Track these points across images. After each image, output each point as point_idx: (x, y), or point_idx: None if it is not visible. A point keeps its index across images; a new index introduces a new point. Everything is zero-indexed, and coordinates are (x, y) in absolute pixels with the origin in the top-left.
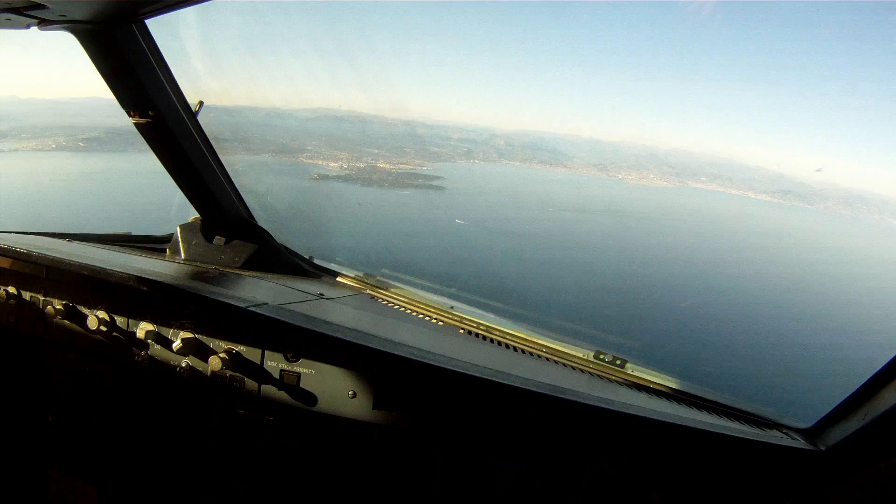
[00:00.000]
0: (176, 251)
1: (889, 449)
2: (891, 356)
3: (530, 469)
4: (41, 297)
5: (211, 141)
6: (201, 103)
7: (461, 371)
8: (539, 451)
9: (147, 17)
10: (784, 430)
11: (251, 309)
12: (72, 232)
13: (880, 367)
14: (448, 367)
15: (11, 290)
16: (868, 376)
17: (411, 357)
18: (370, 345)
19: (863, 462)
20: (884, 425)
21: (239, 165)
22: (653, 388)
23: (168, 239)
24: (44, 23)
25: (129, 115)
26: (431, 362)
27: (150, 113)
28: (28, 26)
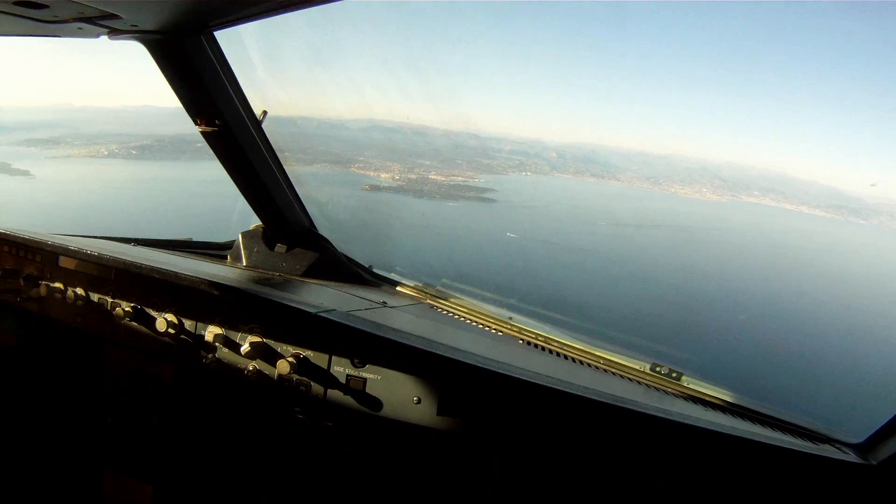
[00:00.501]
0: (237, 258)
1: None
2: None
3: (586, 479)
4: (109, 299)
5: (275, 149)
6: (265, 112)
7: (525, 379)
8: (597, 461)
9: (216, 29)
10: (836, 445)
11: (321, 315)
12: (135, 237)
13: None
14: (512, 374)
15: (80, 291)
16: None
17: (477, 364)
18: (437, 351)
19: None
20: None
21: (298, 175)
22: (708, 401)
23: (229, 245)
24: (114, 32)
25: (196, 124)
26: (497, 370)
27: (217, 122)
28: (98, 35)
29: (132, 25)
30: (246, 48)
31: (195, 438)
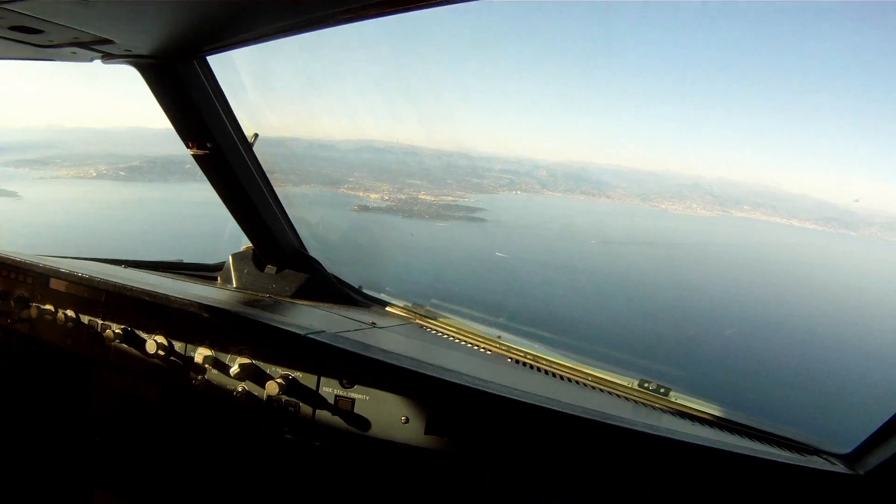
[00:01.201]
0: (227, 279)
1: None
2: None
3: (576, 497)
4: (99, 322)
5: (266, 171)
6: (256, 135)
7: (512, 397)
8: (585, 479)
9: (209, 54)
10: (824, 456)
11: (310, 336)
12: (123, 258)
13: None
14: (500, 393)
15: (70, 313)
16: None
17: (464, 384)
18: (425, 371)
19: None
20: None
21: (288, 196)
22: (696, 416)
23: (219, 267)
24: (108, 57)
25: (188, 147)
26: (484, 389)
27: (208, 145)
28: (91, 60)
29: (126, 50)
30: (238, 73)
31: (184, 459)
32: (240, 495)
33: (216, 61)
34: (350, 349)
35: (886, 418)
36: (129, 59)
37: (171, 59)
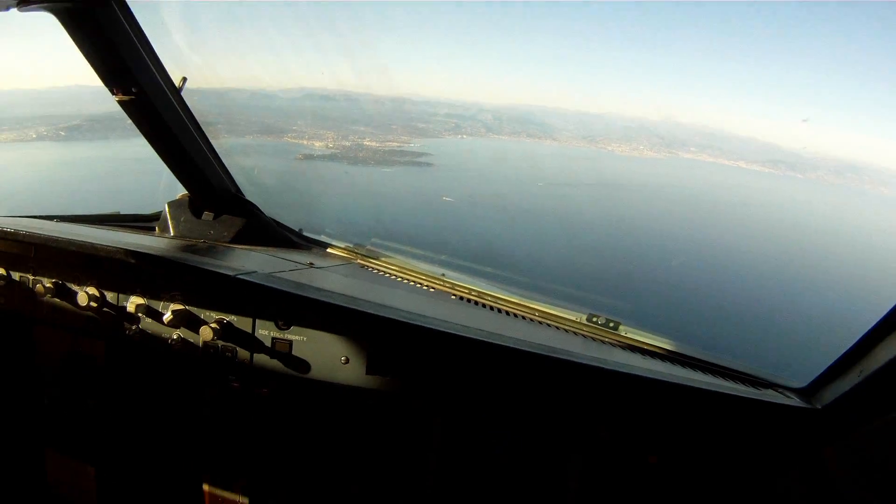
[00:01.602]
0: (165, 228)
1: (884, 406)
2: (883, 314)
3: (528, 436)
4: (30, 277)
5: (197, 117)
6: (184, 79)
7: (454, 333)
8: (535, 415)
9: None
10: (779, 390)
11: (241, 277)
12: (58, 214)
13: (873, 324)
14: (441, 329)
15: (1, 271)
16: (862, 334)
17: (403, 320)
18: (361, 309)
19: (858, 420)
20: (878, 383)
21: (225, 145)
22: (647, 350)
23: (156, 217)
24: (23, 3)
25: (113, 93)
26: (424, 324)
27: (133, 90)
28: (7, 8)
29: None
30: (160, 13)
31: (133, 415)
32: (190, 446)
33: (135, 2)
34: (283, 288)
35: (841, 352)
36: (45, 5)
37: (88, 2)
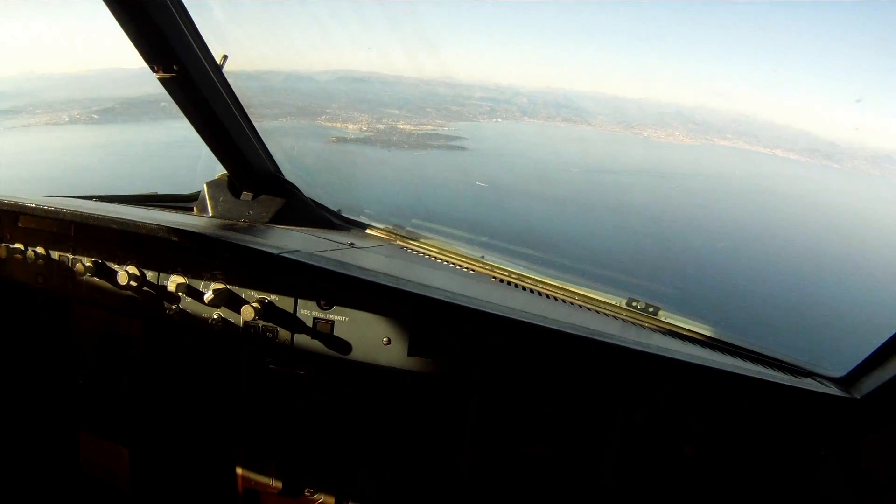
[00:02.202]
0: (203, 208)
1: None
2: None
3: (565, 419)
4: (70, 256)
5: (238, 96)
6: (226, 57)
7: (496, 313)
8: (574, 397)
9: None
10: (818, 379)
11: (284, 255)
12: (97, 194)
13: None
14: (483, 308)
15: (40, 250)
16: None
17: (447, 300)
18: (405, 288)
19: None
20: None
21: (263, 126)
22: (686, 335)
23: (195, 197)
24: None
25: (154, 71)
26: (466, 304)
27: (175, 67)
28: None
29: None
30: None
31: (168, 396)
32: (225, 430)
33: None
34: (326, 267)
35: (881, 342)
36: None
37: None
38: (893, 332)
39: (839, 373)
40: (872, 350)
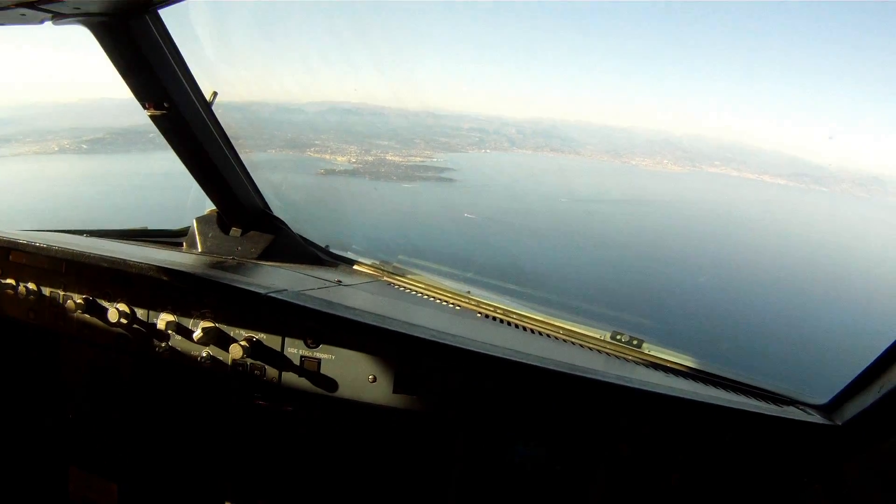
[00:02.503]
0: (192, 244)
1: None
2: None
3: (550, 453)
4: (61, 293)
5: (226, 131)
6: (215, 94)
7: (480, 351)
8: (559, 432)
9: (160, 7)
10: (801, 406)
11: (271, 295)
12: (87, 228)
13: (893, 340)
14: (467, 347)
15: (31, 286)
16: (882, 350)
17: (430, 338)
18: (390, 327)
19: (878, 436)
20: None
21: (252, 160)
22: (670, 367)
23: (184, 232)
24: (58, 16)
25: (145, 108)
26: (450, 343)
27: (165, 104)
28: (42, 21)
29: (75, 8)
30: (193, 27)
31: (157, 432)
32: (214, 464)
33: (169, 15)
34: (313, 307)
35: (862, 368)
36: (80, 18)
37: (122, 15)
38: (874, 358)
39: (822, 400)
40: (854, 376)
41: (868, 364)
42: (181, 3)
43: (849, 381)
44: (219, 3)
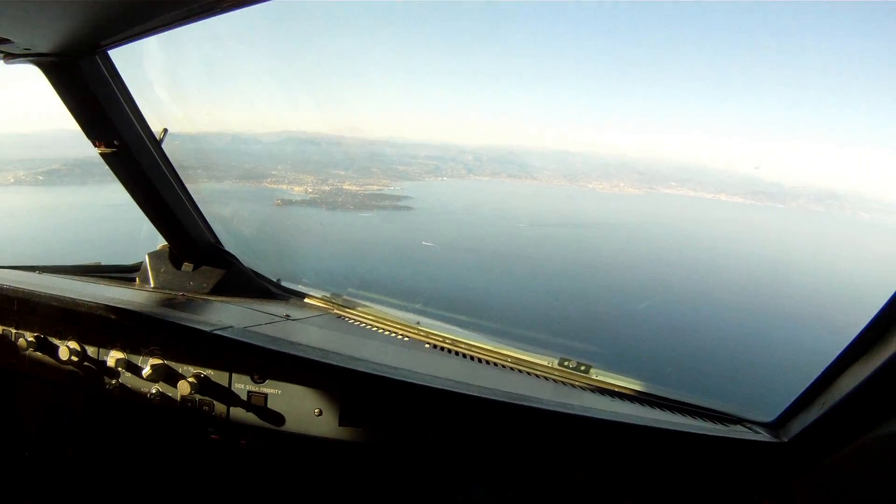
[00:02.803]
0: (145, 279)
1: (847, 437)
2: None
3: (501, 482)
4: (13, 330)
5: (176, 168)
6: (165, 131)
7: (422, 384)
8: (505, 462)
9: (109, 48)
10: (748, 425)
11: (216, 332)
12: (40, 264)
13: (835, 356)
14: (408, 380)
15: None
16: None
17: (372, 372)
18: (331, 362)
19: (823, 451)
20: (841, 413)
21: (204, 193)
22: (617, 392)
23: (137, 268)
24: (8, 56)
25: (95, 146)
26: (391, 376)
27: (116, 143)
28: None
29: (25, 49)
30: (142, 66)
31: (112, 467)
32: (170, 499)
33: (119, 55)
34: (257, 343)
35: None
36: (30, 58)
37: (71, 56)
38: (818, 374)
39: (770, 417)
40: (801, 392)
41: (813, 380)
42: (131, 43)
43: (796, 397)
44: (169, 41)
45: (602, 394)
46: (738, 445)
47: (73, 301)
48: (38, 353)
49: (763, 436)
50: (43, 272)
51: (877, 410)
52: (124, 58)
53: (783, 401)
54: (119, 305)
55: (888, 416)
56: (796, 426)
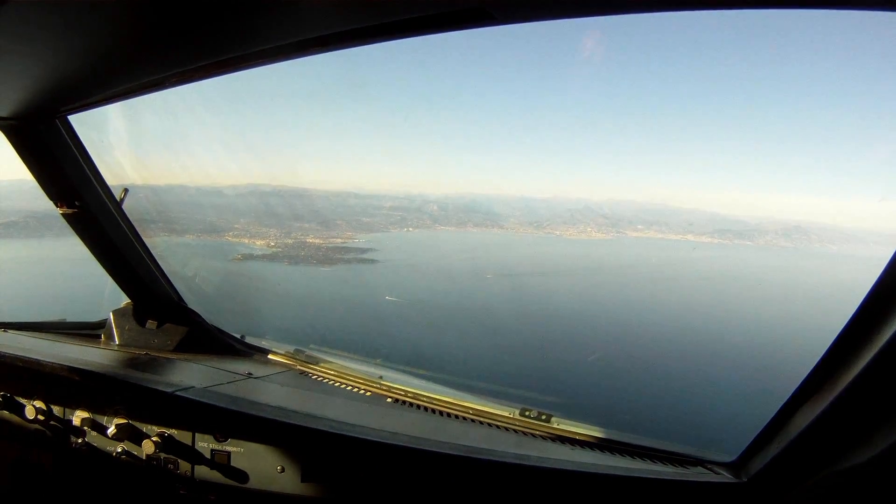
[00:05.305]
0: (110, 336)
1: (804, 473)
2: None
3: None
4: None
5: (136, 225)
6: (126, 191)
7: (378, 440)
8: None
9: (70, 114)
10: (709, 466)
11: (178, 394)
12: (5, 321)
13: (791, 392)
14: (367, 437)
15: None
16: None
17: (331, 430)
18: (291, 421)
19: (783, 487)
20: (798, 449)
21: (165, 248)
22: (578, 440)
23: (102, 324)
24: None
25: (57, 206)
26: (350, 434)
27: (77, 203)
28: None
29: None
30: (102, 130)
31: None
32: None
33: (78, 119)
34: (218, 404)
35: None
36: None
37: (31, 120)
38: (775, 412)
39: (732, 457)
40: (759, 430)
41: (770, 418)
42: (89, 110)
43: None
44: (128, 106)
45: (563, 443)
46: (699, 488)
47: (38, 362)
48: (5, 412)
49: (724, 476)
50: (8, 329)
51: (834, 444)
52: (84, 122)
53: (746, 439)
54: (83, 367)
55: (846, 449)
56: (756, 465)
